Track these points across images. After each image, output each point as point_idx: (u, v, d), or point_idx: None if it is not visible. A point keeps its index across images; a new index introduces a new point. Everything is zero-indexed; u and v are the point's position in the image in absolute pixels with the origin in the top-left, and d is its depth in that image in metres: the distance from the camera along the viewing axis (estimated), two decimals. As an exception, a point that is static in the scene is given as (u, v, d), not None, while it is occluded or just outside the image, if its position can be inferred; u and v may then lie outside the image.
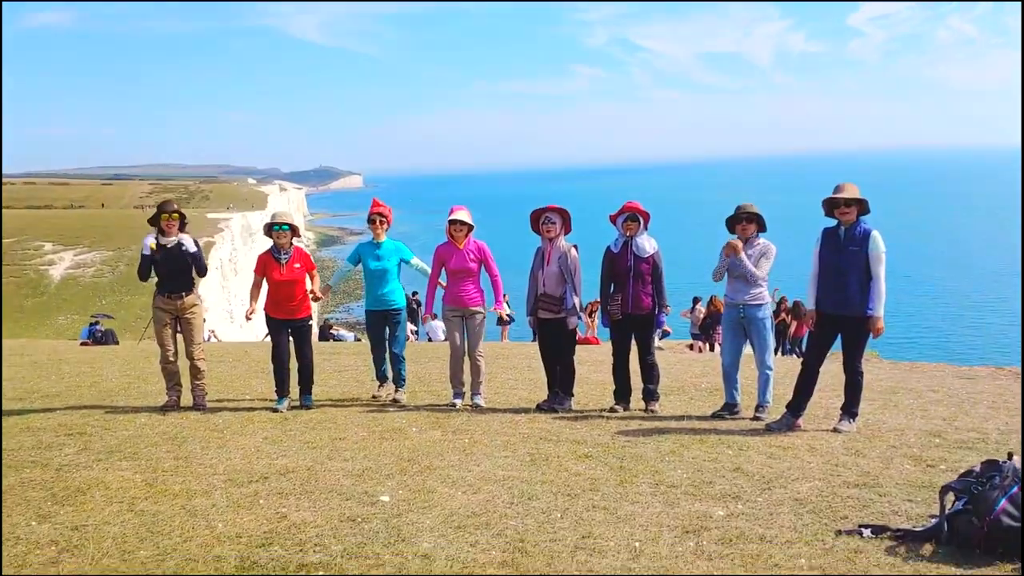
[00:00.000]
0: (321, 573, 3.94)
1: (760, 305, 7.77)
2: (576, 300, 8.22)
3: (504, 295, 20.67)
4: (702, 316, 21.37)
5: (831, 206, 7.08)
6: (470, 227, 8.48)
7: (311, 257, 8.81)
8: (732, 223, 7.83)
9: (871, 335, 7.10)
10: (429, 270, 8.77)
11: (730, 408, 7.87)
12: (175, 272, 8.38)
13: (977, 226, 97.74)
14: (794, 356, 22.16)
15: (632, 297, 8.03)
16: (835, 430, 7.08)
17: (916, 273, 63.79)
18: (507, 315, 25.91)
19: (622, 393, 8.30)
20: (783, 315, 22.23)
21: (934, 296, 56.17)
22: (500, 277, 8.60)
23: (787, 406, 7.35)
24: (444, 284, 8.64)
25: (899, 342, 36.68)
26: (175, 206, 8.47)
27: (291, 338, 8.59)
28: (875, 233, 6.96)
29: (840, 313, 7.04)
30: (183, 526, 4.62)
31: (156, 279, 8.47)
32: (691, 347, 21.55)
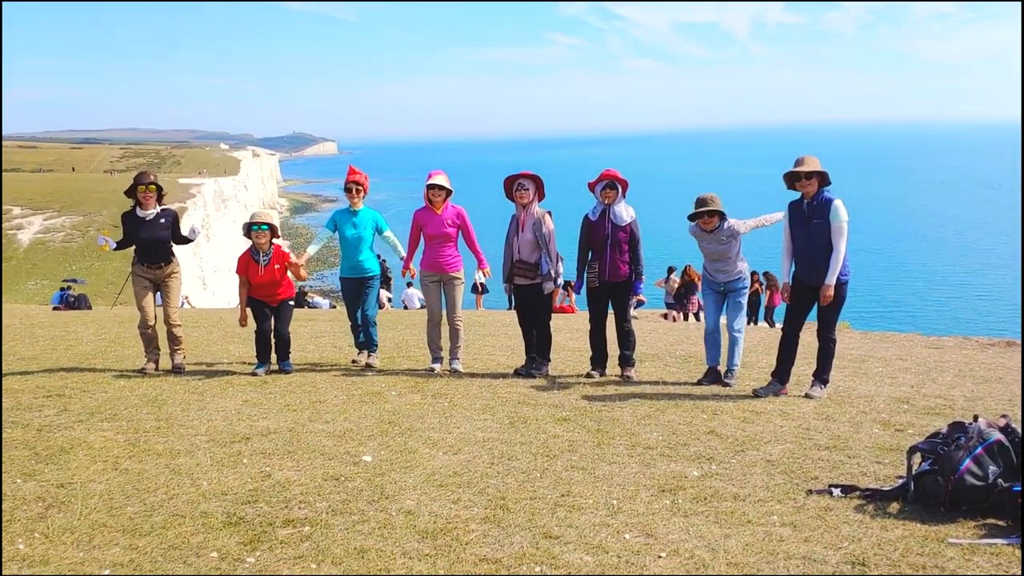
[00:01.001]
0: (307, 528, 4.02)
1: (739, 279, 7.95)
2: (551, 266, 8.29)
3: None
4: (676, 286, 21.55)
5: (792, 179, 7.18)
6: (448, 192, 8.47)
7: (291, 255, 8.74)
8: (695, 219, 7.88)
9: (843, 301, 7.24)
10: (400, 247, 8.83)
11: (713, 373, 7.99)
12: (154, 243, 8.38)
13: (949, 199, 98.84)
14: (766, 325, 22.47)
15: (609, 265, 8.10)
16: (807, 396, 7.26)
17: (887, 247, 64.54)
18: (481, 284, 26.08)
19: (598, 359, 8.41)
20: (755, 286, 22.47)
21: (905, 270, 56.87)
22: (476, 238, 8.64)
23: (772, 374, 7.53)
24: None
25: (870, 316, 37.18)
26: (151, 178, 8.43)
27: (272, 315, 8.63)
28: (837, 203, 7.05)
29: (814, 283, 7.18)
30: (168, 484, 4.68)
31: (135, 248, 8.45)
32: (665, 316, 21.72)
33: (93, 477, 4.80)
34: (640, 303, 23.47)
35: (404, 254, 8.76)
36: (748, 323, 21.87)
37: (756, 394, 7.35)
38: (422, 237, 8.56)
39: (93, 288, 32.89)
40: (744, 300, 8.02)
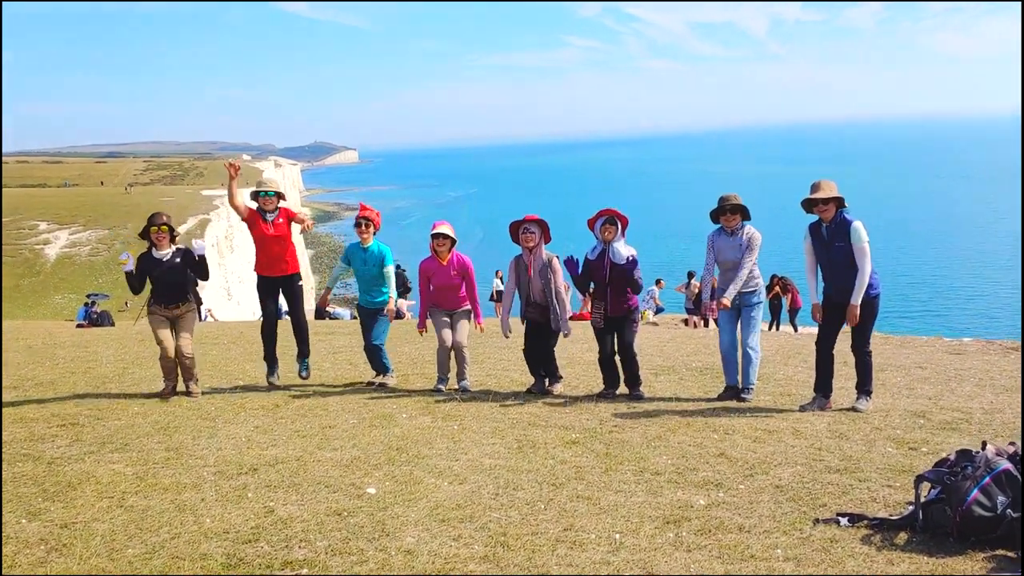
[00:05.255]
0: (305, 571, 4.00)
1: (754, 292, 7.90)
2: (562, 315, 8.32)
3: (497, 271, 20.80)
4: (696, 291, 21.43)
5: (809, 205, 7.25)
6: (453, 241, 8.59)
7: (297, 216, 8.90)
8: (717, 215, 7.87)
9: (876, 314, 7.34)
10: (393, 285, 8.92)
11: (733, 390, 7.93)
12: (170, 285, 8.42)
13: (972, 195, 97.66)
14: (789, 330, 22.30)
15: (611, 304, 8.10)
16: (853, 409, 7.28)
17: (909, 244, 63.85)
18: (499, 291, 26.05)
19: (611, 381, 8.33)
20: (775, 289, 22.31)
21: (929, 267, 56.22)
22: (477, 291, 8.82)
23: (815, 388, 7.55)
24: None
25: (894, 316, 36.80)
26: (164, 219, 8.46)
27: (283, 305, 8.80)
28: (856, 224, 7.10)
29: (843, 300, 7.24)
30: (171, 522, 4.67)
31: (151, 288, 8.51)
32: (686, 322, 21.62)
33: (97, 516, 4.80)
34: (660, 309, 23.34)
35: (394, 292, 8.91)
36: (769, 328, 21.81)
37: (802, 409, 7.37)
38: (430, 286, 8.70)
39: (118, 302, 33.24)
40: (759, 315, 7.99)
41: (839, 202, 7.14)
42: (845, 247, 7.11)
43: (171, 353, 8.42)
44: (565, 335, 8.50)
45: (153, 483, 5.42)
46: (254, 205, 8.62)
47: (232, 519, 4.71)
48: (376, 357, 9.03)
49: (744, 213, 7.81)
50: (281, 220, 8.60)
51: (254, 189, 8.62)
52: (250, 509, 4.87)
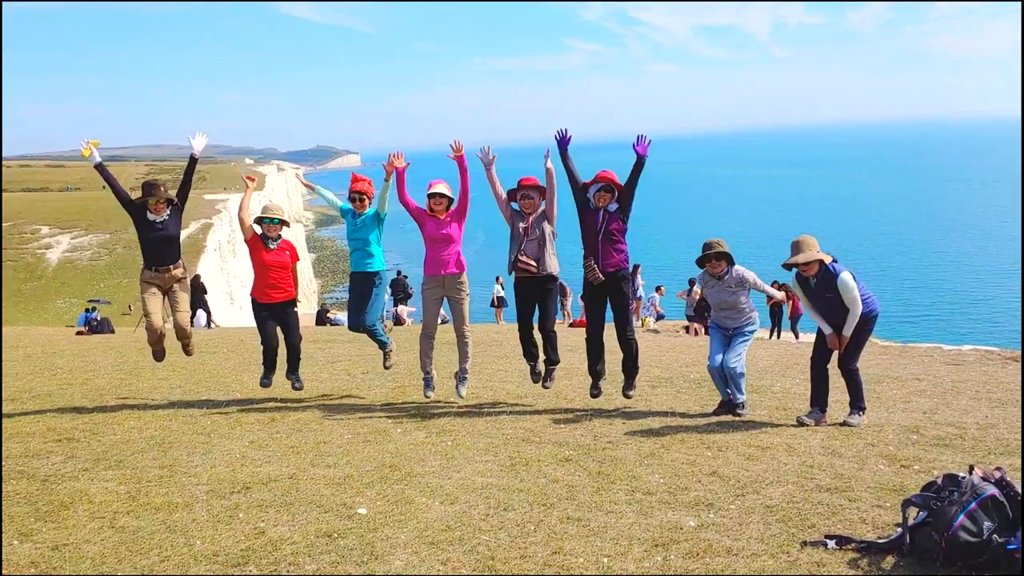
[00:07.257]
0: (292, 597, 4.02)
1: (748, 323, 7.95)
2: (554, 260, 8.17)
3: (498, 277, 20.71)
4: (697, 298, 21.39)
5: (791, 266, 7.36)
6: (450, 200, 8.32)
7: (297, 249, 8.94)
8: (702, 262, 7.84)
9: (870, 335, 7.51)
10: (338, 202, 9.24)
11: (727, 405, 7.91)
12: (162, 245, 8.53)
13: (974, 198, 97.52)
14: (790, 336, 22.31)
15: (603, 255, 7.88)
16: (845, 423, 7.32)
17: (911, 248, 63.78)
18: (500, 297, 26.14)
19: (595, 371, 8.27)
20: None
21: (930, 271, 56.14)
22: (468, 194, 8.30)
23: (811, 403, 7.59)
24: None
25: (896, 320, 36.75)
26: (162, 191, 8.49)
27: (279, 326, 8.78)
28: (843, 278, 7.16)
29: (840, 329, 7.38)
30: (162, 544, 4.68)
31: (142, 252, 8.61)
32: (687, 329, 21.61)
33: (89, 537, 4.82)
34: (660, 316, 23.33)
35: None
36: (771, 336, 21.80)
37: (800, 422, 7.37)
38: (422, 236, 8.38)
39: (121, 306, 33.30)
40: (748, 342, 7.97)
41: (821, 259, 7.22)
42: (834, 298, 7.23)
43: (159, 323, 8.51)
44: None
45: (145, 503, 5.44)
46: (259, 230, 8.63)
47: (222, 541, 4.72)
48: (372, 336, 8.98)
49: (729, 260, 7.78)
50: (288, 252, 8.64)
51: (259, 215, 8.60)
52: (240, 530, 4.89)
